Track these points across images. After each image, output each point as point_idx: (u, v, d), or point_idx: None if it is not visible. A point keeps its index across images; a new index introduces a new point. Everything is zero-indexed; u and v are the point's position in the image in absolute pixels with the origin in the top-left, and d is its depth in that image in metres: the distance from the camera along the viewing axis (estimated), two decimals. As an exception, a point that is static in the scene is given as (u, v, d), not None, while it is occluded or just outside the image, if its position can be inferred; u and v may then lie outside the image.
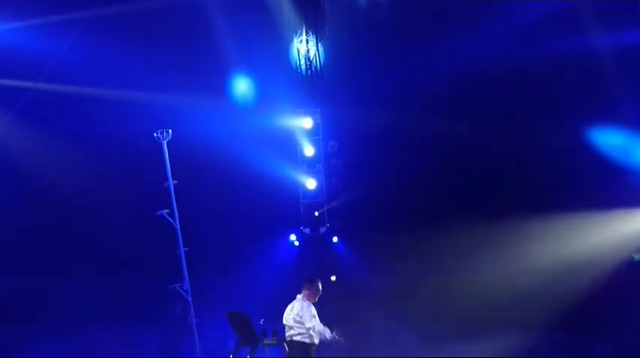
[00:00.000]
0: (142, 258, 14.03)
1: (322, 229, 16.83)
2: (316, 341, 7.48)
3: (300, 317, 7.40)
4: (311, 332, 7.38)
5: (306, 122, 16.87)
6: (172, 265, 10.80)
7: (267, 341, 8.20)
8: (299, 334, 7.45)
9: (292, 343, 7.49)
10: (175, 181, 10.98)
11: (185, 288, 10.53)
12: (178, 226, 10.72)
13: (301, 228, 16.98)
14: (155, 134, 11.27)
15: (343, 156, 16.90)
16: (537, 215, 13.24)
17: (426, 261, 12.41)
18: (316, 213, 16.83)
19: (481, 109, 14.18)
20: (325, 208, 16.82)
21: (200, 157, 11.42)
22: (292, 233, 17.30)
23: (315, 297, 7.62)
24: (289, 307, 7.72)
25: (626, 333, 11.96)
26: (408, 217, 14.71)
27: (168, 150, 11.68)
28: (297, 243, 17.35)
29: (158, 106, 13.87)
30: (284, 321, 7.68)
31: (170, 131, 11.29)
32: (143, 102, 13.77)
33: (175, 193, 10.98)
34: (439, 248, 14.03)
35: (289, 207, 16.95)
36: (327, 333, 7.32)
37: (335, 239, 17.26)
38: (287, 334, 7.59)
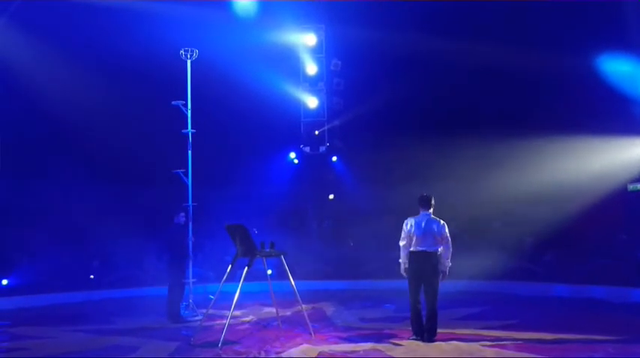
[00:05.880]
0: (149, 172, 14.19)
1: (322, 148, 16.94)
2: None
3: (442, 233, 8.01)
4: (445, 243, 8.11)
5: (310, 39, 16.56)
6: (177, 180, 10.98)
7: (264, 253, 8.43)
8: (436, 246, 8.03)
9: (430, 254, 8.02)
10: (194, 130, 10.95)
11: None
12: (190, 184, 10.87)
13: (301, 146, 17.09)
14: (181, 52, 11.07)
15: (346, 76, 16.74)
16: (533, 139, 13.27)
17: (422, 181, 12.61)
18: (316, 132, 16.89)
19: (487, 31, 13.89)
20: (326, 127, 16.87)
21: (200, 72, 11.24)
22: (292, 151, 17.43)
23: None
24: (419, 222, 8.08)
25: (612, 259, 12.28)
26: (406, 138, 14.74)
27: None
28: (296, 161, 17.52)
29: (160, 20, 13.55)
30: (420, 234, 8.04)
31: (197, 51, 11.09)
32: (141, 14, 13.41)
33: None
34: (435, 169, 14.20)
35: (290, 125, 16.98)
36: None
37: (334, 158, 17.42)
38: (422, 247, 8.02)
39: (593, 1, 13.04)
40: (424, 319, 8.09)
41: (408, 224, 8.15)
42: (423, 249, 8.02)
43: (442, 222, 8.12)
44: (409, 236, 8.11)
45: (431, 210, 8.19)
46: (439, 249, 8.05)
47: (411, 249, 8.10)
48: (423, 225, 8.06)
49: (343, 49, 16.51)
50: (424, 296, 8.08)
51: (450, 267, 8.07)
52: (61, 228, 13.43)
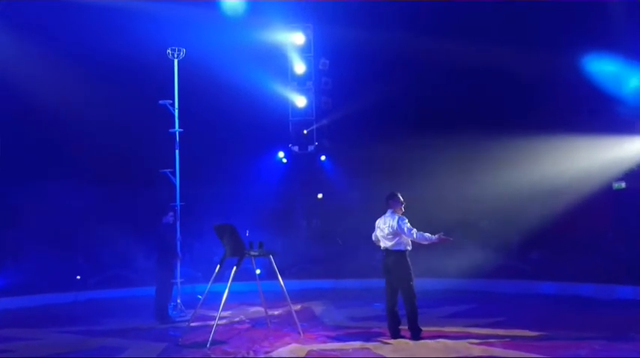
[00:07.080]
0: (137, 171, 14.12)
1: (310, 147, 16.94)
2: (409, 248, 8.20)
3: (394, 228, 8.02)
4: (405, 239, 8.09)
5: (298, 38, 16.55)
6: (165, 181, 10.95)
7: (253, 253, 8.42)
8: (396, 244, 8.09)
9: (390, 252, 8.14)
10: (181, 129, 10.96)
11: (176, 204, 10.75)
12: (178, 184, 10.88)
13: (290, 145, 17.08)
14: (168, 51, 11.03)
15: (334, 75, 16.74)
16: (520, 138, 13.35)
17: (409, 179, 12.70)
18: (305, 131, 16.88)
19: (473, 31, 13.95)
20: (314, 126, 16.87)
21: (187, 71, 11.20)
22: (281, 150, 17.42)
23: (401, 208, 8.27)
24: (381, 221, 8.26)
25: (599, 257, 12.39)
26: (394, 137, 14.80)
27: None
28: (285, 161, 17.51)
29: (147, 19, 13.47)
30: (379, 233, 8.26)
31: (184, 50, 11.06)
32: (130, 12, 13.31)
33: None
34: (422, 167, 14.26)
35: (278, 125, 16.96)
36: (428, 235, 8.02)
37: (323, 157, 17.43)
38: (384, 245, 8.20)
39: (580, 1, 13.15)
40: (405, 319, 8.10)
41: (376, 223, 8.37)
42: (386, 246, 8.19)
43: (403, 219, 8.10)
44: (376, 234, 8.37)
45: (397, 208, 8.20)
46: (404, 246, 8.09)
47: (381, 247, 8.29)
48: (382, 223, 8.23)
49: (331, 48, 16.50)
50: (400, 295, 8.14)
51: (441, 235, 7.97)
52: (48, 228, 13.33)
